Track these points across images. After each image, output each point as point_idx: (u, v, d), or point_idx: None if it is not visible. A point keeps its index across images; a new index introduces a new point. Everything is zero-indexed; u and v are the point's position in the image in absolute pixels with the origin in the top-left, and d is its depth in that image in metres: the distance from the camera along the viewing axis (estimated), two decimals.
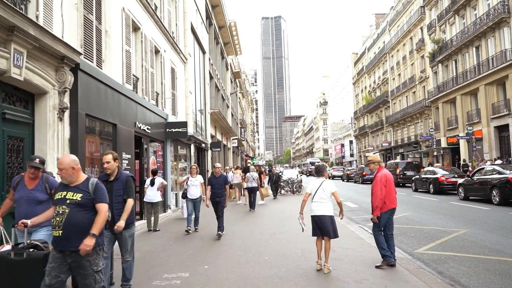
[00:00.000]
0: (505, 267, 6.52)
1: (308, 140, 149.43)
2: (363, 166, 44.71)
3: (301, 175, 29.37)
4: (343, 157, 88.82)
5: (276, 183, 21.73)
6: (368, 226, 11.09)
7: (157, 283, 5.93)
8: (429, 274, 6.15)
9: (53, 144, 7.44)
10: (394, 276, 5.97)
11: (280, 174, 26.72)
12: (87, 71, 8.51)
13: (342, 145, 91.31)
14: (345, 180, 41.77)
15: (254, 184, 15.84)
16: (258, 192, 16.55)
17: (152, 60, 14.11)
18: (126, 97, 10.93)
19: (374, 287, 5.50)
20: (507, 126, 27.75)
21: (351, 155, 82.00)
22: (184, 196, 10.63)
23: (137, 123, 11.78)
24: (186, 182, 10.70)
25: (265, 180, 23.79)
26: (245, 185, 16.84)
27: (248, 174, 16.42)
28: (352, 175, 40.47)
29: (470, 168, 26.34)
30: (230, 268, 6.66)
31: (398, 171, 30.14)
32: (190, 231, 10.27)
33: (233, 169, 21.34)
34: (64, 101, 7.67)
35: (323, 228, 6.44)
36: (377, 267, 6.51)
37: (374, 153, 61.54)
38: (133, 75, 12.25)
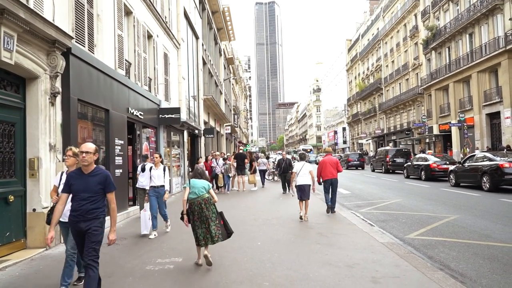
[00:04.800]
0: (494, 252, 6.63)
1: (302, 127, 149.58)
2: (348, 153, 46.77)
3: (294, 162, 29.04)
4: (336, 144, 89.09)
5: (286, 172, 16.52)
6: (361, 212, 11.23)
7: (151, 267, 5.97)
8: (419, 259, 6.24)
9: (45, 129, 7.39)
10: (385, 261, 6.05)
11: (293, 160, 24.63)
12: (78, 56, 8.43)
13: (335, 132, 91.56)
14: None
15: (264, 167, 20.75)
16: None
17: (145, 45, 13.97)
18: (118, 82, 10.84)
19: (365, 271, 5.57)
20: (498, 113, 27.96)
21: (344, 142, 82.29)
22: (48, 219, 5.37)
23: (129, 108, 11.71)
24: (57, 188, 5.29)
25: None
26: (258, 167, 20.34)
27: (259, 160, 21.21)
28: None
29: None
30: (223, 253, 6.71)
31: (388, 158, 30.65)
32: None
33: (225, 156, 21.21)
34: (55, 86, 7.61)
35: (305, 192, 10.02)
36: (326, 211, 10.86)
37: (366, 140, 61.91)
38: (126, 60, 12.13)
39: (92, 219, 4.36)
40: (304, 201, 10.03)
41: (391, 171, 30.27)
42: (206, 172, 10.04)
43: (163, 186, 8.61)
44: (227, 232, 6.20)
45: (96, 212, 4.39)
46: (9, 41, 6.18)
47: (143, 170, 10.66)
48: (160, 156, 8.91)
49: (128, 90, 11.73)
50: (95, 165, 4.53)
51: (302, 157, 10.95)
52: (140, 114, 12.67)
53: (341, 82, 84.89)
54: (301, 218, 9.92)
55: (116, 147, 10.44)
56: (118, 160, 10.54)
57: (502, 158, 15.50)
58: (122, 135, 11.00)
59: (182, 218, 6.14)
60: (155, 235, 8.33)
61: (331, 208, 10.87)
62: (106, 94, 10.01)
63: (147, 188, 8.70)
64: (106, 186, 4.46)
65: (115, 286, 5.19)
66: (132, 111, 11.88)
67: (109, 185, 4.48)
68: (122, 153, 10.83)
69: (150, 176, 8.62)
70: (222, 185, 17.66)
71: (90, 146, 4.50)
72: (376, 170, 33.22)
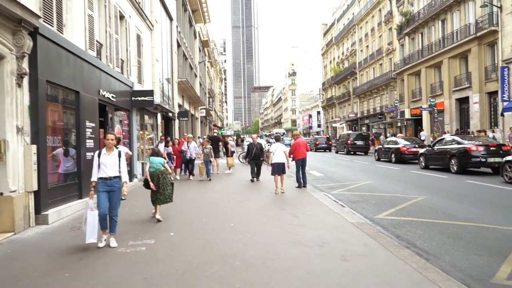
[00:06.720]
0: (457, 230, 6.91)
1: (277, 110, 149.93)
2: (317, 137, 51.32)
3: (269, 145, 29.14)
4: (310, 127, 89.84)
5: (257, 158, 15.04)
6: (333, 194, 11.45)
7: (122, 250, 5.96)
8: (387, 238, 6.45)
9: (11, 112, 7.21)
10: (354, 240, 6.22)
11: (267, 145, 22.89)
12: (46, 36, 8.18)
13: (310, 116, 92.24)
14: None
15: (232, 149, 20.91)
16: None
17: (117, 26, 13.66)
18: (89, 64, 10.60)
19: (334, 250, 5.73)
20: (467, 98, 28.71)
21: (319, 126, 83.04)
22: None
23: (101, 91, 11.48)
24: None
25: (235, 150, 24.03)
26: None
27: (230, 143, 20.88)
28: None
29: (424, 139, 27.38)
30: (196, 235, 6.76)
31: (349, 141, 33.70)
32: None
33: (201, 139, 21.06)
34: (22, 67, 7.39)
35: (279, 169, 11.62)
36: (296, 187, 12.33)
37: (340, 124, 62.61)
38: (97, 41, 11.85)
39: None
40: (280, 176, 11.65)
41: (352, 152, 33.62)
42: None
43: (118, 177, 6.33)
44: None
45: None
46: None
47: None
48: (116, 138, 6.80)
49: (99, 72, 11.49)
50: None
51: (277, 139, 12.68)
52: (112, 97, 12.45)
53: (316, 66, 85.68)
54: (276, 191, 11.46)
55: (87, 130, 10.25)
56: (89, 143, 10.36)
57: (470, 142, 15.99)
58: (93, 117, 10.80)
59: (146, 186, 8.23)
60: (105, 240, 6.21)
61: (303, 184, 12.40)
62: (76, 75, 9.77)
63: (94, 179, 6.25)
64: None
65: (87, 269, 5.17)
66: (103, 94, 11.66)
67: None
68: (93, 136, 10.65)
69: (99, 164, 6.27)
70: (199, 174, 15.96)
71: None
72: (339, 152, 36.17)
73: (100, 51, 12.24)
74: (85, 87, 10.27)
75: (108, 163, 6.26)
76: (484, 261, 5.31)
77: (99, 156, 6.31)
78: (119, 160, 6.38)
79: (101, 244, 6.10)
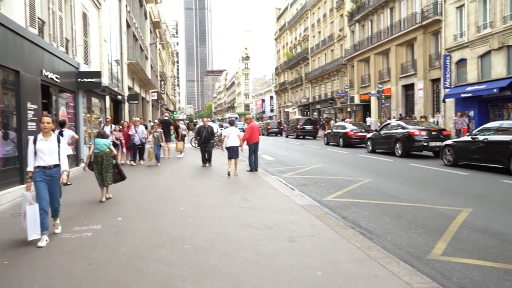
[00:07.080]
0: (399, 210, 7.25)
1: (230, 94, 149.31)
2: (268, 121, 51.90)
3: (222, 129, 29.02)
4: (263, 112, 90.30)
5: (207, 141, 14.37)
6: (283, 177, 11.63)
7: (67, 236, 5.78)
8: (333, 219, 6.65)
9: None
10: (302, 222, 6.38)
11: (219, 129, 23.69)
12: None
13: (263, 101, 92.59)
14: None
15: (184, 133, 21.08)
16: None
17: (61, 3, 13.02)
18: (30, 42, 10.03)
19: (283, 232, 5.84)
20: (413, 85, 29.92)
21: (271, 110, 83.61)
22: None
23: (44, 71, 10.92)
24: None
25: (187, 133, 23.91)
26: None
27: (181, 126, 20.73)
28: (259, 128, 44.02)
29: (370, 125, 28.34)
30: (145, 219, 6.67)
31: (299, 125, 34.66)
32: None
33: (152, 123, 20.63)
34: None
35: (234, 153, 11.83)
36: (247, 171, 12.40)
37: (293, 109, 63.36)
38: (38, 18, 11.23)
39: None
40: (233, 160, 11.84)
41: (301, 137, 34.48)
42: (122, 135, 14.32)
43: (58, 166, 5.69)
44: (121, 177, 8.53)
45: None
46: None
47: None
48: (60, 122, 5.92)
49: (42, 51, 10.92)
50: None
51: (232, 123, 12.98)
52: (56, 77, 11.88)
53: (270, 50, 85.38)
54: (229, 174, 11.64)
55: (28, 112, 9.75)
56: (31, 126, 9.87)
57: (414, 127, 16.72)
58: (35, 99, 10.27)
59: (91, 168, 8.37)
60: (46, 240, 5.42)
61: (255, 168, 12.53)
62: (15, 54, 9.23)
63: (30, 169, 5.61)
64: None
65: (28, 256, 4.97)
66: (46, 74, 11.10)
67: None
68: (35, 118, 10.13)
69: (35, 151, 5.61)
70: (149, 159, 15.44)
71: None
72: (289, 136, 37.17)
73: (42, 29, 11.63)
74: (26, 66, 9.75)
75: (46, 150, 5.58)
76: (423, 239, 5.62)
77: (35, 142, 5.61)
78: (59, 146, 5.71)
79: (42, 244, 5.31)
